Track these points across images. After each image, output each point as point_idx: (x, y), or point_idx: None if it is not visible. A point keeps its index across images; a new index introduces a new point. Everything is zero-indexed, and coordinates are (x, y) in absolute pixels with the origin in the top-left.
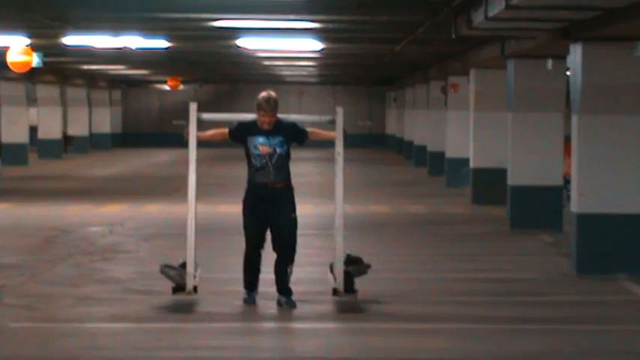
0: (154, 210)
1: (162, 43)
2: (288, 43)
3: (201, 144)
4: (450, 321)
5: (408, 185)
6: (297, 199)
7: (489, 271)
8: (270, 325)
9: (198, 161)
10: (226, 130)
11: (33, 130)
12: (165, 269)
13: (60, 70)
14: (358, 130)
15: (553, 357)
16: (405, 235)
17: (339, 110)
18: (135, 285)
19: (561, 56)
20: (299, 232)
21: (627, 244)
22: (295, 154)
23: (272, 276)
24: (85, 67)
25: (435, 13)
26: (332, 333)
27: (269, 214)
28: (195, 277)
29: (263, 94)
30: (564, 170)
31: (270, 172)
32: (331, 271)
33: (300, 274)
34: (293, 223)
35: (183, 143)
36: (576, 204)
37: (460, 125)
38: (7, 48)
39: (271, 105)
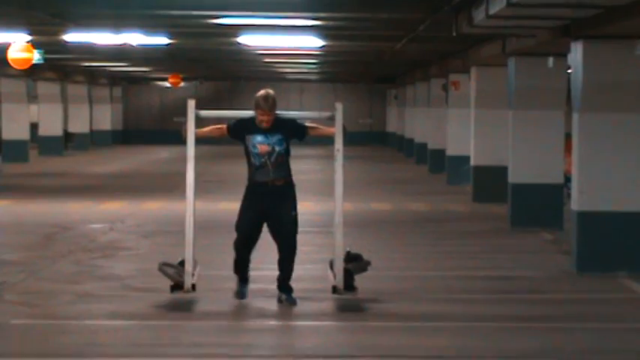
0: (154, 207)
1: (163, 40)
2: (289, 41)
3: (200, 141)
4: (451, 319)
5: (408, 183)
6: (298, 197)
7: (490, 268)
8: (270, 322)
9: (198, 158)
10: (224, 127)
11: (33, 127)
12: (164, 267)
13: (61, 67)
14: (359, 127)
15: (553, 355)
16: (405, 232)
17: (339, 106)
18: (135, 282)
19: (562, 54)
20: (300, 229)
21: (628, 242)
22: (296, 151)
23: (272, 273)
24: (86, 64)
25: (436, 11)
26: (332, 331)
27: (268, 211)
28: (193, 275)
29: (261, 92)
30: (565, 168)
31: (270, 171)
32: (331, 268)
33: (300, 271)
34: (293, 221)
35: (183, 140)
36: (577, 202)
37: (461, 123)
38: (8, 45)
39: (269, 104)
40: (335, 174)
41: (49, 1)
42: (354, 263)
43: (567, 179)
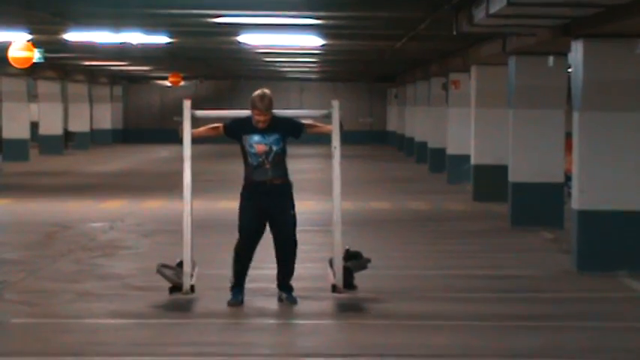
0: (154, 206)
1: (163, 39)
2: (289, 40)
3: (199, 140)
4: (451, 318)
5: (408, 182)
6: (298, 196)
7: (490, 267)
8: (270, 321)
9: (198, 157)
10: (220, 126)
11: (34, 126)
12: (162, 269)
13: (61, 66)
14: (359, 126)
15: (553, 354)
16: (405, 231)
17: (335, 104)
18: (135, 281)
19: (562, 53)
20: (300, 228)
21: (628, 241)
22: (296, 150)
23: (272, 272)
24: (86, 62)
25: (436, 10)
26: (332, 330)
27: (268, 211)
28: (192, 276)
29: (257, 92)
30: (565, 167)
31: (268, 170)
32: (331, 266)
33: (300, 270)
34: (292, 220)
35: (179, 140)
36: (577, 201)
37: (461, 122)
38: (8, 43)
39: (265, 104)
40: (333, 171)
41: (49, 0)
42: (354, 261)
43: (568, 178)
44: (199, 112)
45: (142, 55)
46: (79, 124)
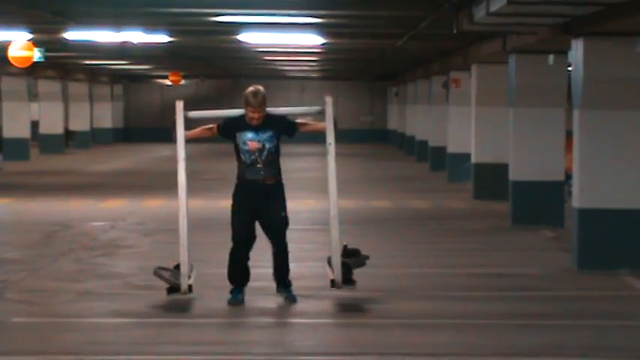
0: (155, 205)
1: (163, 38)
2: (290, 38)
3: (199, 140)
4: (451, 316)
5: (409, 180)
6: (298, 195)
7: (490, 266)
8: (270, 320)
9: (199, 156)
10: (214, 127)
11: (34, 125)
12: (159, 271)
13: (61, 65)
14: (360, 125)
15: (554, 352)
16: (405, 230)
17: (328, 100)
18: (136, 280)
19: (563, 51)
20: (301, 227)
21: (628, 240)
22: (294, 149)
23: (271, 270)
24: (87, 62)
25: (437, 8)
26: (332, 328)
27: (259, 210)
28: (189, 277)
29: (250, 89)
30: (566, 165)
31: (260, 169)
32: (329, 265)
33: (301, 269)
34: (283, 221)
35: (173, 140)
36: (577, 199)
37: (462, 120)
38: (8, 43)
39: (259, 100)
40: (328, 168)
41: None
42: (353, 258)
43: (568, 176)
44: (192, 113)
45: (143, 54)
46: (80, 123)
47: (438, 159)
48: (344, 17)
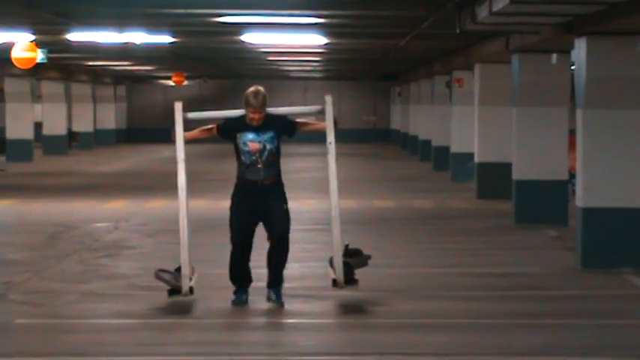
0: (158, 206)
1: (166, 39)
2: (293, 39)
3: (202, 140)
4: (454, 316)
5: (412, 180)
6: (300, 195)
7: (493, 265)
8: (273, 320)
9: (203, 157)
10: (214, 127)
11: (38, 126)
12: (160, 273)
13: (64, 66)
14: (363, 125)
15: (557, 351)
16: (409, 229)
17: (328, 99)
18: (140, 281)
19: (566, 51)
20: (303, 227)
21: (632, 239)
22: (296, 149)
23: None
24: (90, 63)
25: (440, 8)
26: (334, 328)
27: (259, 210)
28: (191, 279)
29: (251, 89)
30: (569, 164)
31: (261, 169)
32: (331, 265)
33: (303, 269)
34: (285, 214)
35: (172, 141)
36: (581, 198)
37: (465, 120)
38: (11, 44)
39: (259, 101)
40: (328, 167)
41: (52, 0)
42: (354, 258)
43: (572, 176)
44: (191, 114)
45: (146, 55)
46: (83, 124)
47: (441, 159)
48: (347, 17)
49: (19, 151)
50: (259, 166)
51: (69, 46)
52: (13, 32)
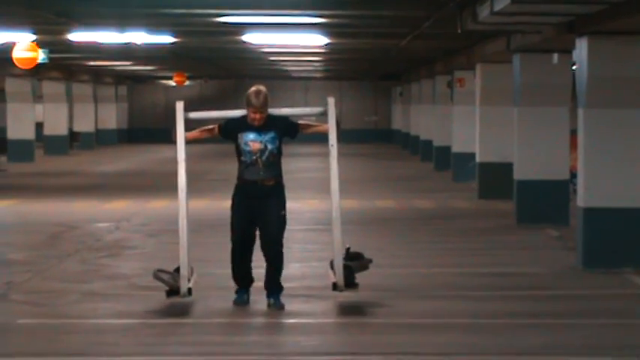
0: (159, 206)
1: (167, 39)
2: (294, 39)
3: (204, 140)
4: (456, 316)
5: (413, 180)
6: (302, 195)
7: (495, 265)
8: (274, 320)
9: (204, 157)
10: (215, 127)
11: (39, 126)
12: (158, 274)
13: (65, 67)
14: (364, 125)
15: (559, 351)
16: (410, 229)
17: (331, 101)
18: (141, 281)
19: (567, 50)
20: (304, 227)
21: (633, 238)
22: (298, 149)
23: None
24: (91, 63)
25: (441, 8)
26: (335, 328)
27: (257, 211)
28: (189, 280)
29: (252, 89)
30: (570, 164)
31: (260, 169)
32: (331, 268)
33: (304, 269)
34: (281, 221)
35: (172, 141)
36: (582, 198)
37: (466, 120)
38: (12, 44)
39: (260, 101)
40: (330, 169)
41: (53, 0)
42: (355, 262)
43: (573, 175)
44: (192, 114)
45: (147, 55)
46: (84, 124)
47: (442, 158)
48: (348, 17)
49: (21, 151)
50: (259, 166)
51: (70, 46)
52: (14, 32)
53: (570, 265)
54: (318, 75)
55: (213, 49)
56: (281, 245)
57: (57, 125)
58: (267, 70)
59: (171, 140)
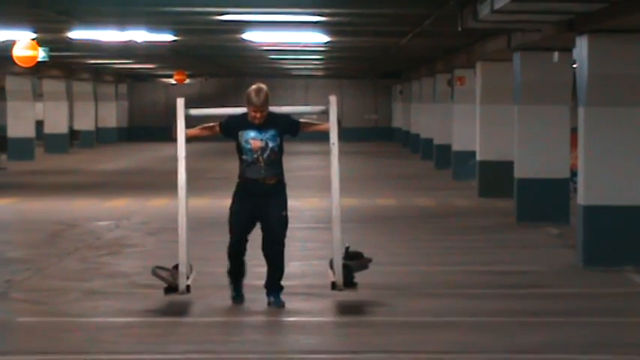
0: (160, 204)
1: (168, 37)
2: (294, 37)
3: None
4: (456, 314)
5: (414, 178)
6: (302, 193)
7: (495, 263)
8: (274, 319)
9: (205, 155)
10: (216, 125)
11: (39, 124)
12: (157, 271)
13: (66, 65)
14: (364, 123)
15: (559, 349)
16: (410, 227)
17: (332, 99)
18: (141, 279)
19: (567, 49)
20: (305, 225)
21: (633, 237)
22: (299, 147)
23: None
24: (91, 61)
25: (441, 6)
26: (335, 326)
27: (259, 211)
28: (188, 277)
29: (253, 87)
30: (571, 162)
31: (262, 168)
32: (331, 267)
33: (304, 267)
34: (283, 221)
35: (173, 139)
36: (583, 196)
37: (466, 118)
38: (13, 42)
39: (261, 99)
40: (331, 168)
41: None
42: (355, 261)
43: (573, 174)
44: (193, 111)
45: (147, 53)
46: (85, 122)
47: (442, 157)
48: (348, 15)
49: (21, 149)
50: (261, 164)
51: (70, 45)
52: (14, 30)
53: (570, 264)
54: (318, 73)
55: (213, 47)
56: (283, 245)
57: (57, 123)
58: (268, 68)
59: (172, 138)
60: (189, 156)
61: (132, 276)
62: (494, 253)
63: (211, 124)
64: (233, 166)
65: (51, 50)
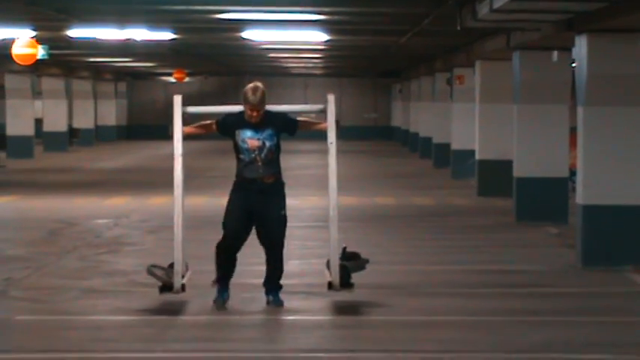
0: (159, 202)
1: (167, 35)
2: (294, 35)
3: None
4: (455, 313)
5: (413, 177)
6: (301, 192)
7: (494, 262)
8: (273, 317)
9: (203, 154)
10: (213, 123)
11: (38, 122)
12: (152, 269)
13: (65, 63)
14: (364, 122)
15: (558, 349)
16: (409, 227)
17: (330, 98)
18: (140, 277)
19: (567, 48)
20: (303, 224)
21: (632, 236)
22: (298, 146)
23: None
24: (90, 59)
25: (440, 5)
26: (334, 325)
27: (257, 210)
28: (183, 276)
29: (249, 85)
30: (570, 162)
31: (259, 167)
32: (328, 267)
33: (303, 266)
34: (282, 220)
35: (169, 136)
36: (582, 195)
37: (465, 117)
38: (12, 40)
39: (258, 98)
40: (329, 167)
41: None
42: (352, 262)
43: (572, 173)
44: (190, 109)
45: (147, 52)
46: (84, 120)
47: (441, 156)
48: (347, 14)
49: (20, 147)
50: (258, 163)
51: (70, 43)
52: (13, 28)
53: (569, 263)
54: (317, 72)
55: (213, 45)
56: (282, 245)
57: (56, 122)
58: (267, 66)
59: (169, 136)
60: (187, 154)
61: (131, 274)
62: (493, 252)
63: (208, 121)
64: (231, 165)
65: (50, 48)
